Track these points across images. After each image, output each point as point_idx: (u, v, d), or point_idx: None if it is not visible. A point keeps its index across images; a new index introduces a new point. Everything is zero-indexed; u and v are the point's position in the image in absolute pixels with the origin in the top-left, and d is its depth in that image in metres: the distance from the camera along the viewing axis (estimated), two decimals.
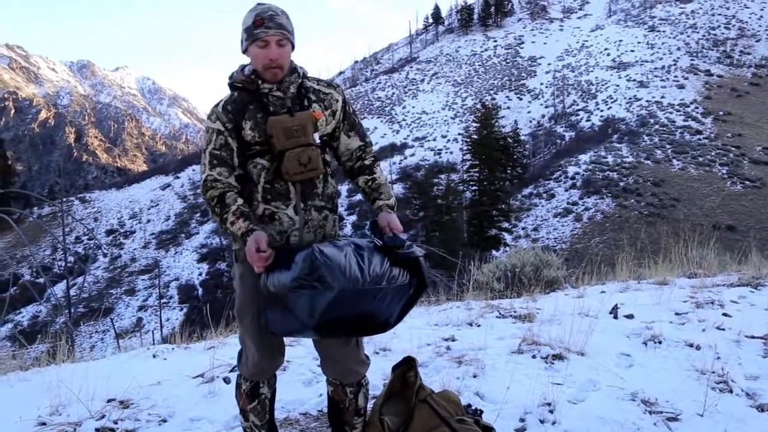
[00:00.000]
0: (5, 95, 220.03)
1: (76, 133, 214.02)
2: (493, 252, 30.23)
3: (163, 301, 39.17)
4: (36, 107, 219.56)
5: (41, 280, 38.18)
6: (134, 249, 52.00)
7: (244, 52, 2.25)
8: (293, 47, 2.26)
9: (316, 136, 2.25)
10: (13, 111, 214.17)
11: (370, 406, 2.48)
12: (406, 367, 2.46)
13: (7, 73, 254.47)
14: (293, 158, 2.17)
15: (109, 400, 3.12)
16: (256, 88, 2.23)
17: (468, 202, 36.30)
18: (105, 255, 50.40)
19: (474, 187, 36.05)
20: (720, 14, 79.59)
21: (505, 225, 33.98)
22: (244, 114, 2.21)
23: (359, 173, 2.37)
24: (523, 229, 36.79)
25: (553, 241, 33.77)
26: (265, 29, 2.15)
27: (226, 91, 2.32)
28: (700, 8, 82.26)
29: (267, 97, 2.23)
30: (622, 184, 39.13)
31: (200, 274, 43.83)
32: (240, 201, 2.19)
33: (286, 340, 2.41)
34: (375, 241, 2.15)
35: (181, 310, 37.57)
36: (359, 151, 2.39)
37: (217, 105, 2.26)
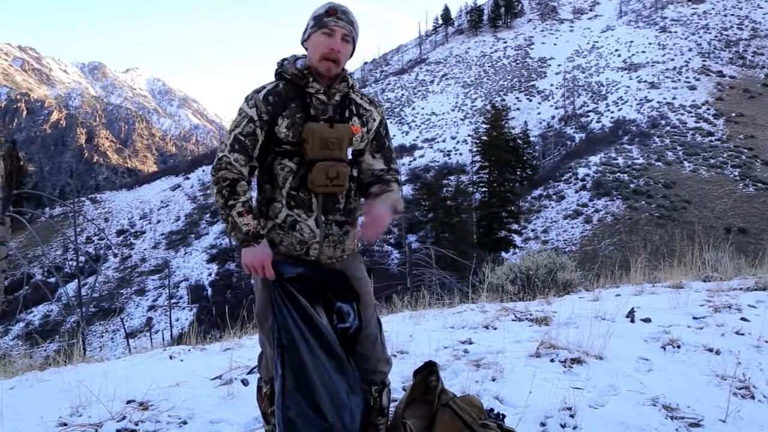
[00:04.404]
0: (18, 96, 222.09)
1: (87, 134, 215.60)
2: (503, 254, 30.18)
3: (172, 301, 39.34)
4: (48, 108, 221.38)
5: (53, 279, 38.51)
6: (144, 249, 52.31)
7: (305, 41, 2.22)
8: (352, 53, 2.25)
9: (349, 151, 2.22)
10: (25, 112, 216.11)
11: (391, 409, 2.48)
12: (428, 372, 2.45)
13: (20, 75, 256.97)
14: (322, 171, 2.14)
15: (128, 402, 3.13)
16: (303, 85, 2.19)
17: (477, 204, 36.22)
18: (115, 255, 50.74)
19: (483, 189, 36.00)
20: (733, 15, 78.98)
21: (515, 227, 33.90)
22: (283, 109, 2.17)
23: (373, 184, 2.32)
24: (532, 230, 36.66)
25: (563, 243, 33.62)
26: (336, 19, 2.15)
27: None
28: (713, 9, 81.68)
29: (311, 98, 2.19)
30: (632, 185, 38.91)
31: (210, 275, 44.01)
32: (249, 195, 2.17)
33: None
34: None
35: (191, 310, 37.74)
36: (380, 172, 2.34)
37: (259, 91, 2.20)
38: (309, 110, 2.18)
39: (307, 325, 2.10)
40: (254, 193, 2.31)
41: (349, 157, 2.23)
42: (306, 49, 2.24)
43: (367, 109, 2.30)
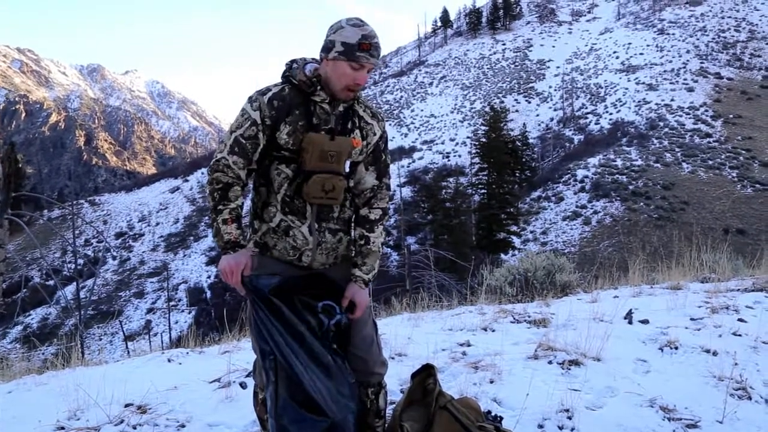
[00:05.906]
0: (16, 98, 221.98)
1: (85, 136, 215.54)
2: (502, 255, 30.18)
3: (171, 303, 39.25)
4: (46, 111, 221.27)
5: (51, 282, 38.42)
6: (143, 252, 52.23)
7: (326, 59, 2.13)
8: None
9: (347, 163, 2.22)
10: (24, 114, 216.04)
11: (389, 412, 2.48)
12: (426, 374, 2.45)
13: (19, 77, 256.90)
14: (318, 183, 2.13)
15: (126, 405, 3.13)
16: (310, 93, 2.16)
17: (476, 206, 36.24)
18: (114, 258, 50.66)
19: (482, 191, 36.01)
20: (730, 17, 79.14)
21: (514, 228, 33.91)
22: (287, 115, 2.14)
23: (360, 222, 2.32)
24: (531, 232, 36.67)
25: (562, 245, 33.63)
26: (369, 56, 2.08)
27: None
28: (710, 11, 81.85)
29: (315, 107, 2.16)
30: (631, 187, 38.94)
31: (209, 277, 43.94)
32: (240, 201, 2.16)
33: None
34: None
35: (190, 312, 37.69)
36: (371, 191, 2.32)
37: (264, 93, 2.15)
38: (311, 119, 2.15)
39: (291, 335, 2.10)
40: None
41: (347, 170, 2.23)
42: (322, 61, 2.17)
43: (369, 123, 2.28)
